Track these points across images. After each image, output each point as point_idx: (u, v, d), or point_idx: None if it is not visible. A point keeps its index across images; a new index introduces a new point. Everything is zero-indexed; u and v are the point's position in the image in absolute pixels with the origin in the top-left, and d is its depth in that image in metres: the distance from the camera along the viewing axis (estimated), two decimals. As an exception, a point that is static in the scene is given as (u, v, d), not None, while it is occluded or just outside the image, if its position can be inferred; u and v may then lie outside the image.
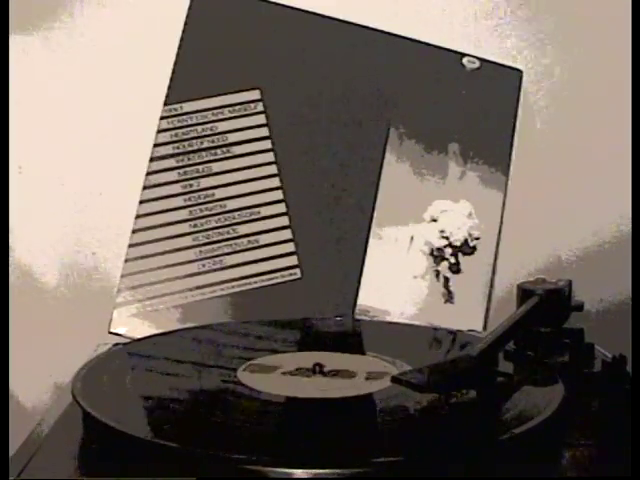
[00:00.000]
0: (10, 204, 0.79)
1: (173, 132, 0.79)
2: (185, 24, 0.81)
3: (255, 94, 0.80)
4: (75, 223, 0.84)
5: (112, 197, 0.84)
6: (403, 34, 0.82)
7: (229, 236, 0.78)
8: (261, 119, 0.80)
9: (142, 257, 0.77)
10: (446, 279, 0.79)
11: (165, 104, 0.79)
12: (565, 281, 0.65)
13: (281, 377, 0.60)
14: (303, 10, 0.82)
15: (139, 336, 0.71)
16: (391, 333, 0.72)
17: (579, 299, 0.65)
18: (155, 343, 0.68)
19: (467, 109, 0.82)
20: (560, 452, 0.53)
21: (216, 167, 0.79)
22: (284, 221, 0.78)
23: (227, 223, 0.78)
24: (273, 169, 0.79)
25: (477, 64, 0.83)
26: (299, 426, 0.54)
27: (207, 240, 0.77)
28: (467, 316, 0.78)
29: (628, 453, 0.51)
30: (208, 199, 0.78)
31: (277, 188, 0.79)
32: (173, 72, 0.80)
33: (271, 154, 0.79)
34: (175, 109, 0.79)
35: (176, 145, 0.79)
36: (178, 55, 0.80)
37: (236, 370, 0.61)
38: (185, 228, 0.78)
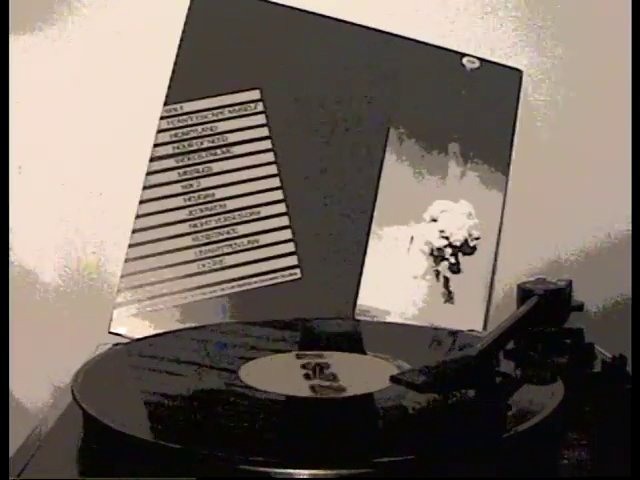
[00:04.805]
0: (10, 204, 0.79)
1: (173, 132, 0.79)
2: (185, 24, 0.81)
3: (255, 94, 0.80)
4: (75, 223, 0.84)
5: (112, 197, 0.84)
6: (403, 34, 0.82)
7: (229, 236, 0.78)
8: (261, 119, 0.80)
9: (142, 257, 0.77)
10: (446, 279, 0.79)
11: (165, 104, 0.79)
12: (565, 281, 0.65)
13: (281, 377, 0.60)
14: (303, 10, 0.82)
15: (139, 336, 0.71)
16: (391, 333, 0.72)
17: (579, 299, 0.65)
18: (155, 343, 0.68)
19: (467, 109, 0.82)
20: (560, 452, 0.53)
21: (216, 167, 0.79)
22: (284, 221, 0.78)
23: (227, 223, 0.78)
24: (273, 169, 0.79)
25: (477, 64, 0.83)
26: (299, 426, 0.54)
27: (207, 240, 0.77)
28: (467, 316, 0.78)
29: (628, 453, 0.51)
30: (208, 199, 0.78)
31: (277, 188, 0.79)
32: (173, 72, 0.80)
33: (271, 154, 0.79)
34: (175, 109, 0.79)
35: (176, 145, 0.79)
36: (178, 55, 0.80)
37: (236, 370, 0.61)
38: (185, 228, 0.78)
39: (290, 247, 0.78)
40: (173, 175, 0.78)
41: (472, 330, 0.76)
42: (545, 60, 0.86)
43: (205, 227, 0.78)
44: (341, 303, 0.77)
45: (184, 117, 0.79)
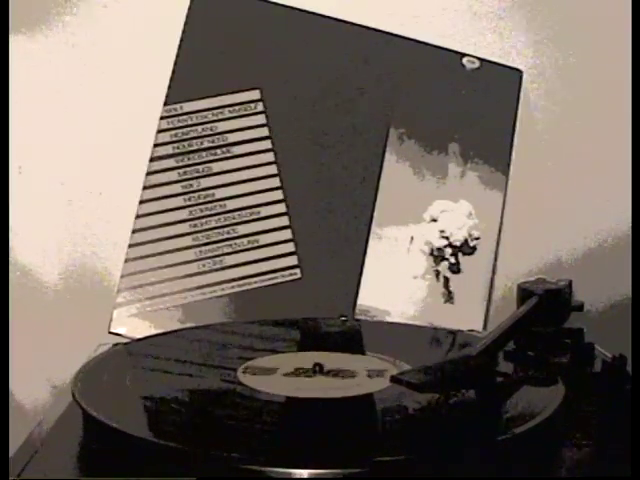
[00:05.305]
0: (10, 204, 0.79)
1: (173, 132, 0.79)
2: (185, 24, 0.81)
3: (255, 94, 0.80)
4: (75, 223, 0.84)
5: (112, 197, 0.84)
6: (403, 34, 0.82)
7: (229, 236, 0.78)
8: (261, 119, 0.80)
9: (142, 257, 0.77)
10: (446, 279, 0.79)
11: (165, 104, 0.79)
12: (565, 281, 0.65)
13: (281, 377, 0.60)
14: (303, 10, 0.82)
15: (139, 336, 0.71)
16: (391, 333, 0.72)
17: (579, 299, 0.65)
18: (155, 343, 0.68)
19: (467, 109, 0.82)
20: (560, 452, 0.53)
21: (216, 167, 0.79)
22: (284, 221, 0.78)
23: (227, 223, 0.78)
24: (273, 169, 0.79)
25: (477, 64, 0.83)
26: (299, 426, 0.54)
27: (207, 240, 0.78)
28: (467, 316, 0.78)
29: (628, 453, 0.51)
30: (208, 199, 0.78)
31: (277, 188, 0.79)
32: (173, 72, 0.80)
33: (271, 154, 0.79)
34: (175, 109, 0.79)
35: (176, 145, 0.79)
36: (178, 55, 0.80)
37: (236, 370, 0.61)
38: (185, 228, 0.78)
39: (290, 247, 0.78)
40: (173, 175, 0.78)
41: (472, 330, 0.76)
42: (545, 60, 0.86)
43: (205, 227, 0.78)
44: (341, 303, 0.77)
45: (184, 117, 0.79)
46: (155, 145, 0.79)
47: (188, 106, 0.79)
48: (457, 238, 0.79)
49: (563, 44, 0.86)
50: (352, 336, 0.73)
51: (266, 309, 0.76)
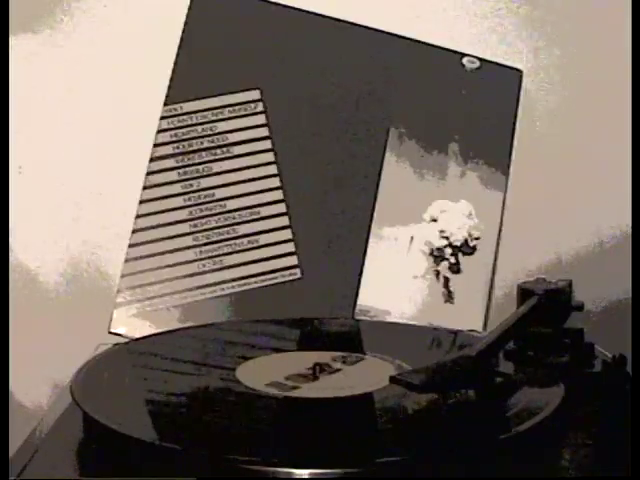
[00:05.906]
0: (10, 204, 0.79)
1: (173, 132, 0.79)
2: (185, 24, 0.81)
3: (255, 94, 0.80)
4: (75, 223, 0.84)
5: (112, 197, 0.84)
6: (403, 34, 0.82)
7: (229, 236, 0.78)
8: (261, 119, 0.80)
9: (142, 257, 0.77)
10: (446, 279, 0.79)
11: (165, 104, 0.79)
12: (565, 281, 0.65)
13: (281, 377, 0.60)
14: (303, 10, 0.82)
15: (139, 336, 0.71)
16: (391, 333, 0.72)
17: (579, 299, 0.65)
18: (155, 343, 0.68)
19: (467, 109, 0.82)
20: (560, 452, 0.53)
21: (216, 167, 0.79)
22: (284, 221, 0.78)
23: (227, 223, 0.78)
24: (273, 169, 0.79)
25: (477, 64, 0.83)
26: (299, 426, 0.54)
27: (207, 240, 0.77)
28: (467, 316, 0.78)
29: (628, 453, 0.51)
30: (208, 199, 0.78)
31: (277, 188, 0.79)
32: (173, 72, 0.80)
33: (271, 154, 0.79)
34: (175, 109, 0.79)
35: (176, 145, 0.79)
36: (178, 55, 0.80)
37: (235, 370, 0.61)
38: (185, 228, 0.78)
39: (290, 247, 0.78)
40: (173, 175, 0.78)
41: (472, 330, 0.76)
42: (545, 60, 0.86)
43: (205, 227, 0.78)
44: (341, 303, 0.77)
45: (184, 117, 0.79)
46: (155, 145, 0.79)
47: (188, 106, 0.79)
48: (457, 238, 0.79)
49: (563, 44, 0.86)
50: (352, 336, 0.73)
51: (266, 309, 0.76)
